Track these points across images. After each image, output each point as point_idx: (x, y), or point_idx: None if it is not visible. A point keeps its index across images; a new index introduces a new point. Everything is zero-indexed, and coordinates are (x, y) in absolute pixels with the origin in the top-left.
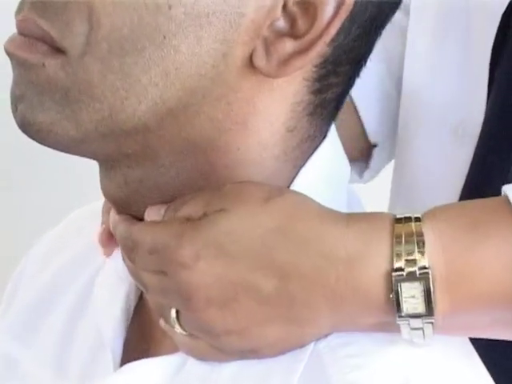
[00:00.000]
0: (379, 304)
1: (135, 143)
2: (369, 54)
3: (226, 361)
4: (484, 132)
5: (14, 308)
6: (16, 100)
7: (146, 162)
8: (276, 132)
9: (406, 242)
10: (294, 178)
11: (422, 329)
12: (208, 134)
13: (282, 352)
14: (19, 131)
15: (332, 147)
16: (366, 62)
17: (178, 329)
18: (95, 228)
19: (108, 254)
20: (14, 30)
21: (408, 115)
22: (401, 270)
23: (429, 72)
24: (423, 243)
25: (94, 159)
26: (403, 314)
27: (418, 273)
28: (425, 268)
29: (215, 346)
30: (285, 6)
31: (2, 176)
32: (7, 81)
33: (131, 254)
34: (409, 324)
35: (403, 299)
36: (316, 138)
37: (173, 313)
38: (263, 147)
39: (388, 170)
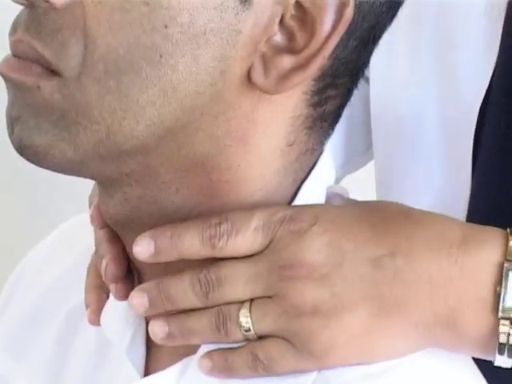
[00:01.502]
0: (484, 294)
1: (134, 163)
2: (366, 65)
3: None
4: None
5: (5, 320)
6: (12, 122)
7: (146, 180)
8: (276, 147)
9: None
10: (295, 192)
11: None
12: (208, 151)
13: (345, 360)
14: None
15: (329, 158)
16: (363, 72)
17: (246, 330)
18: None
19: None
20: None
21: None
22: None
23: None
24: None
25: (93, 179)
26: (507, 307)
27: None
28: None
29: (291, 337)
30: (282, 21)
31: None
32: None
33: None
34: (510, 320)
35: (509, 290)
36: (315, 151)
37: (245, 314)
38: (263, 162)
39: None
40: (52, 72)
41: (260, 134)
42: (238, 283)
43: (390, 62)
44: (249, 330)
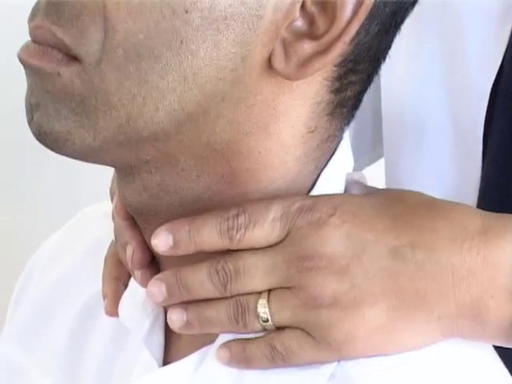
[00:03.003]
0: (506, 283)
1: (154, 150)
2: (388, 51)
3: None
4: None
5: (19, 313)
6: (32, 109)
7: (166, 167)
8: (297, 133)
9: None
10: (315, 179)
11: None
12: (228, 138)
13: (363, 353)
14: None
15: (348, 144)
16: (385, 58)
17: (264, 321)
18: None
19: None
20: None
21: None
22: None
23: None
24: None
25: (112, 167)
26: None
27: None
28: None
29: (309, 328)
30: (303, 7)
31: (4, 175)
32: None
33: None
34: None
35: None
36: (336, 138)
37: (263, 305)
38: (284, 149)
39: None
40: (72, 58)
41: (281, 121)
42: (256, 274)
43: (397, 51)
44: (267, 320)
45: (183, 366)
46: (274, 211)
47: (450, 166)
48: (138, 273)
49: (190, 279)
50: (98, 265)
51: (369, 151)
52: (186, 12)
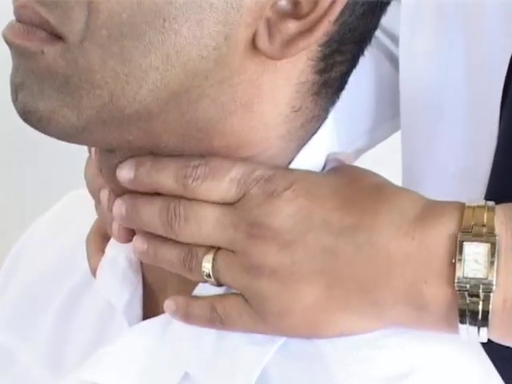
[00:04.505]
0: (440, 267)
1: (137, 129)
2: (374, 31)
3: (250, 329)
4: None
5: (8, 296)
6: (16, 88)
7: (149, 145)
8: (281, 113)
9: (476, 213)
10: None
11: (479, 302)
12: (211, 117)
13: (297, 330)
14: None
15: (331, 125)
16: (370, 39)
17: (207, 276)
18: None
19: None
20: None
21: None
22: (468, 232)
23: (434, 71)
24: (493, 215)
25: (96, 147)
26: (462, 278)
27: (484, 233)
28: (492, 233)
29: (248, 296)
30: None
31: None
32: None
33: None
34: (467, 292)
35: (465, 261)
36: (321, 118)
37: (208, 260)
38: (267, 128)
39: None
40: (56, 37)
41: (265, 100)
42: (205, 225)
43: (416, 27)
44: (209, 276)
45: (155, 322)
46: (235, 172)
47: (464, 139)
48: (114, 227)
49: (142, 209)
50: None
51: (391, 117)
52: None
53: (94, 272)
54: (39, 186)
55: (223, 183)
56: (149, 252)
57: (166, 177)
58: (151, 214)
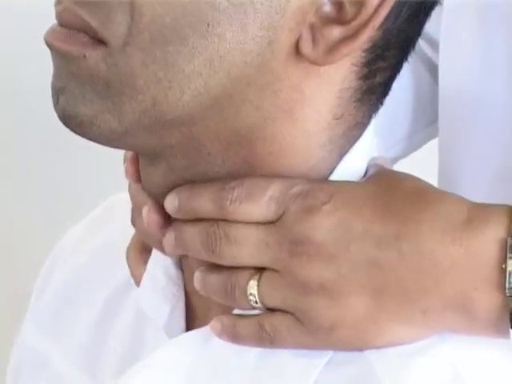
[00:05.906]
0: (489, 273)
1: (179, 134)
2: (418, 37)
3: (293, 346)
4: None
5: (43, 301)
6: (57, 92)
7: (192, 151)
8: (323, 120)
9: None
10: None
11: None
12: (254, 123)
13: (348, 342)
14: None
15: (371, 130)
16: (414, 45)
17: (254, 302)
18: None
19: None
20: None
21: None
22: None
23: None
24: None
25: (136, 151)
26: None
27: None
28: None
29: (298, 313)
30: None
31: (34, 162)
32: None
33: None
34: None
35: None
36: (363, 125)
37: (253, 286)
38: (309, 135)
39: None
40: (98, 41)
41: (307, 107)
42: (246, 246)
43: (456, 28)
44: (256, 302)
45: (195, 336)
46: (273, 190)
47: (505, 140)
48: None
49: (184, 231)
50: (123, 254)
51: (428, 124)
52: None
53: (138, 284)
54: (76, 194)
55: (261, 203)
56: (202, 286)
57: (204, 201)
58: (192, 237)
